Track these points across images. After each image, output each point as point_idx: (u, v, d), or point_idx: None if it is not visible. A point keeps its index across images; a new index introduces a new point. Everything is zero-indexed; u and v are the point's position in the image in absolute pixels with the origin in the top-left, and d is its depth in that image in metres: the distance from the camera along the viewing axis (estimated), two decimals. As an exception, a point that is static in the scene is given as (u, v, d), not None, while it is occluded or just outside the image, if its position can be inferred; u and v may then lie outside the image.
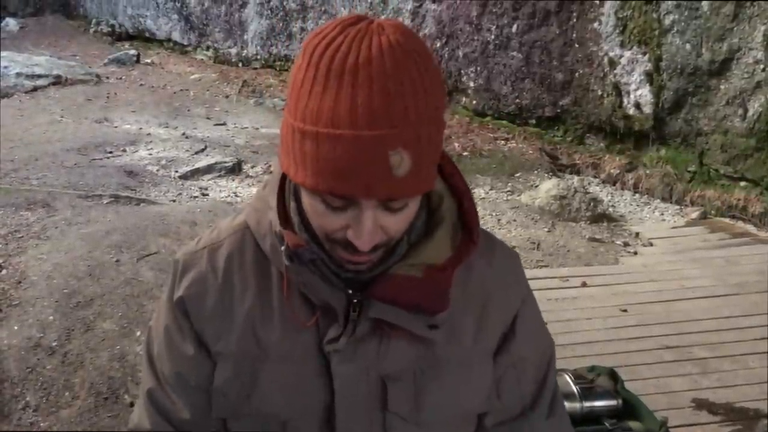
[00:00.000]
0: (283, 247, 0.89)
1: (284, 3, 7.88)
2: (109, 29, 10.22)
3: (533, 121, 6.04)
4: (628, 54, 5.22)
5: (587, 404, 1.79)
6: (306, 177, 0.80)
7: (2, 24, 10.46)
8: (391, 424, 0.94)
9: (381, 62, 0.76)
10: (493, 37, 6.13)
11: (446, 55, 6.53)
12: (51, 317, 3.20)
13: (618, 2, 5.21)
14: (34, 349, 3.02)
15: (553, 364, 1.07)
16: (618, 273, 3.96)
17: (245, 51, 8.48)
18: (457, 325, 0.95)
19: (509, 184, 5.29)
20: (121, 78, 7.99)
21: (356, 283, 0.91)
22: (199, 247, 1.00)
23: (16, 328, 3.13)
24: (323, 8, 7.53)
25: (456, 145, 5.87)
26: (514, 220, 4.63)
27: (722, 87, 4.72)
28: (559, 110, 5.81)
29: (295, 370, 0.93)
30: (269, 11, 8.00)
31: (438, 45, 6.58)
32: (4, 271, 3.55)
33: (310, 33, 0.83)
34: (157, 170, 5.26)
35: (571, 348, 3.13)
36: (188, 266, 0.98)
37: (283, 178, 0.94)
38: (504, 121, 6.24)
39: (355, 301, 0.91)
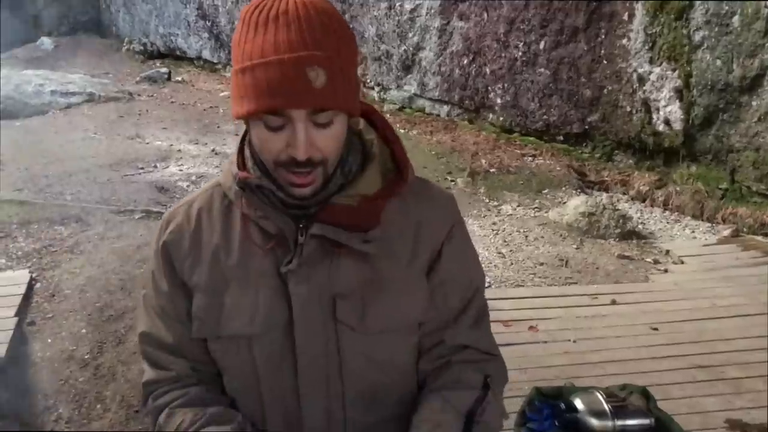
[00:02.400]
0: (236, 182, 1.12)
1: (312, 21, 7.98)
2: (141, 48, 10.41)
3: (561, 138, 6.02)
4: (657, 70, 5.18)
5: (620, 423, 1.76)
6: (247, 105, 1.00)
7: (38, 43, 10.71)
8: (342, 334, 1.12)
9: (296, 10, 0.99)
10: (520, 53, 6.13)
11: (473, 72, 6.55)
12: (84, 330, 3.25)
13: (647, 18, 5.19)
14: (67, 361, 3.08)
15: (481, 291, 1.24)
16: (648, 291, 3.91)
17: (274, 68, 8.58)
18: (395, 248, 1.14)
19: (537, 200, 5.27)
20: (152, 95, 8.12)
21: (303, 216, 1.11)
22: (178, 205, 1.23)
23: (49, 340, 3.19)
24: (352, 26, 7.57)
25: (483, 161, 5.87)
26: (542, 237, 4.60)
27: (754, 103, 4.67)
28: (587, 127, 5.78)
29: (254, 292, 1.12)
30: (298, 29, 8.09)
31: (465, 62, 6.61)
32: (38, 285, 3.62)
33: None
34: (187, 186, 5.33)
35: (601, 366, 3.10)
36: (170, 219, 1.21)
37: (244, 136, 1.17)
38: (531, 138, 6.23)
39: (301, 226, 1.10)
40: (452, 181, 5.59)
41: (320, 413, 1.15)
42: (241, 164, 1.15)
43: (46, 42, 10.69)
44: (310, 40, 0.98)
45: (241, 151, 1.16)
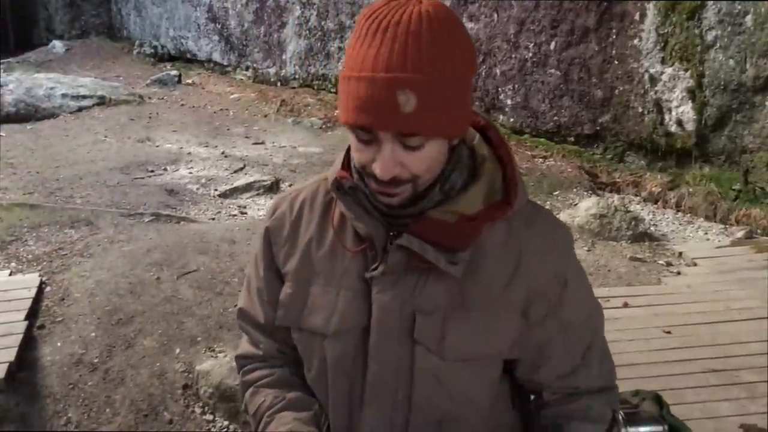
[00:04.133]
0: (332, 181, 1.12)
1: (322, 23, 7.98)
2: (152, 51, 10.46)
3: (572, 139, 5.98)
4: (669, 71, 5.14)
5: (632, 429, 1.73)
6: (343, 115, 1.00)
7: (49, 46, 10.78)
8: (418, 354, 1.08)
9: (408, 23, 0.94)
10: (530, 54, 6.10)
11: (483, 73, 6.52)
12: (93, 334, 3.25)
13: (659, 18, 5.15)
14: (77, 365, 3.07)
15: (600, 328, 1.20)
16: (661, 293, 3.87)
17: (284, 71, 8.59)
18: (489, 275, 1.08)
19: (548, 202, 5.23)
20: (162, 98, 8.15)
21: (398, 225, 1.08)
22: (286, 193, 1.26)
23: (59, 344, 3.19)
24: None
25: (493, 163, 5.84)
26: (553, 239, 4.57)
27: (767, 103, 4.62)
28: (598, 128, 5.74)
29: (336, 291, 1.12)
30: (307, 31, 8.10)
31: (475, 63, 6.58)
32: (48, 288, 3.62)
33: None
34: (197, 189, 5.34)
35: (613, 370, 3.06)
36: (276, 206, 1.25)
37: None
38: (542, 139, 6.19)
39: (392, 234, 1.07)
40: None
41: (382, 427, 1.12)
42: (346, 163, 1.14)
43: (57, 45, 10.76)
44: (411, 60, 0.93)
45: (348, 150, 1.14)
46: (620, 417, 1.19)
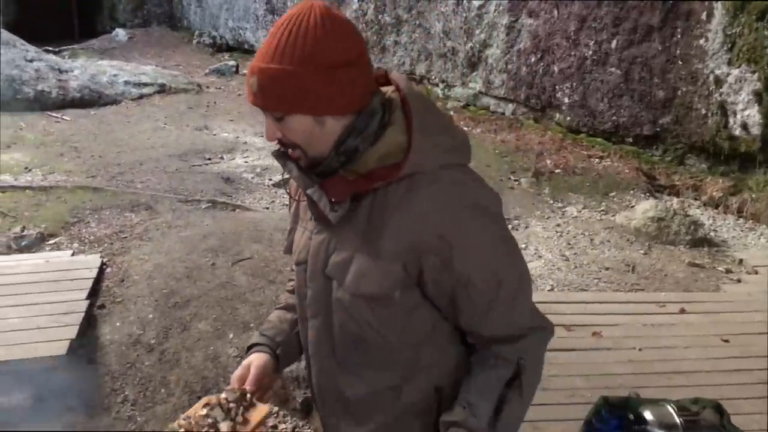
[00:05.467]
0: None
1: (379, 17, 7.99)
2: (211, 41, 10.63)
3: (630, 140, 5.86)
4: (735, 72, 4.98)
5: (691, 438, 1.70)
6: None
7: (112, 34, 11.06)
8: (333, 287, 1.33)
9: (288, 24, 1.21)
10: (590, 52, 6.00)
11: (541, 70, 6.44)
12: (150, 315, 3.33)
13: (727, 18, 5.00)
14: (134, 345, 3.16)
15: (508, 280, 1.31)
16: (719, 301, 3.77)
17: (339, 63, 8.63)
18: (383, 227, 1.26)
19: (603, 203, 5.15)
20: (220, 88, 8.29)
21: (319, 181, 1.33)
22: None
23: (118, 324, 3.28)
24: (417, 22, 7.58)
25: (548, 161, 5.77)
26: (608, 241, 4.49)
27: (840, 109, 4.45)
28: (658, 129, 5.61)
29: (301, 232, 1.42)
30: (364, 24, 8.12)
31: (533, 60, 6.50)
32: (108, 269, 3.73)
33: None
34: (252, 178, 5.41)
35: (668, 377, 3.00)
36: None
37: None
38: (599, 139, 6.08)
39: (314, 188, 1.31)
40: (516, 180, 5.51)
41: (319, 340, 1.39)
42: None
43: (120, 33, 11.02)
44: (272, 51, 1.21)
45: None
46: (523, 364, 1.29)
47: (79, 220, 4.29)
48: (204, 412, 1.39)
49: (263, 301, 3.53)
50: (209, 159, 5.74)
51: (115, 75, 7.76)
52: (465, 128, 6.61)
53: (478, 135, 6.48)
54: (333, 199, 1.28)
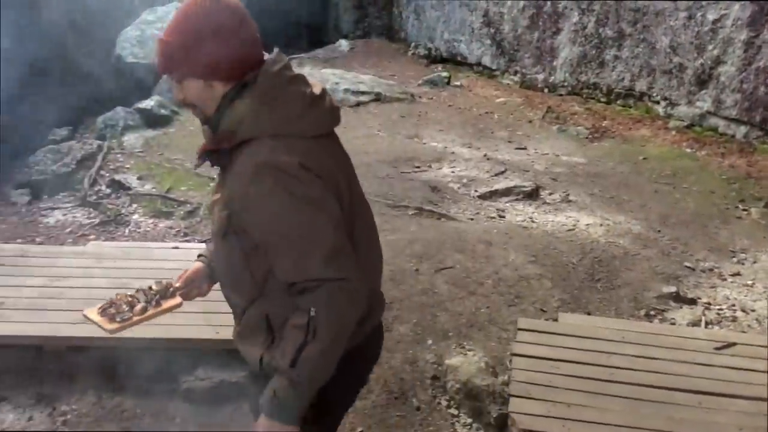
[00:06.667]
0: None
1: (600, 30, 7.69)
2: (426, 52, 10.90)
3: None
4: None
5: None
6: None
7: (336, 44, 11.76)
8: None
9: (184, 4, 1.56)
10: None
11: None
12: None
13: None
14: (339, 339, 3.30)
15: (289, 236, 1.53)
16: None
17: (552, 77, 8.44)
18: (223, 183, 1.67)
19: None
20: (432, 98, 8.46)
21: None
22: None
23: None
24: (642, 36, 7.19)
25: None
26: None
27: None
28: None
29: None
30: (583, 38, 7.87)
31: (773, 79, 5.89)
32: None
33: None
34: (458, 188, 5.45)
35: None
36: None
37: None
38: None
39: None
40: (745, 210, 5.02)
41: (218, 264, 1.78)
42: None
43: (343, 44, 11.69)
44: (170, 27, 1.58)
45: None
46: (314, 313, 1.50)
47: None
48: (132, 293, 1.89)
49: (463, 311, 3.54)
50: (418, 167, 5.88)
51: (336, 83, 8.22)
52: (687, 150, 6.17)
53: (702, 158, 6.02)
54: (199, 151, 1.65)
